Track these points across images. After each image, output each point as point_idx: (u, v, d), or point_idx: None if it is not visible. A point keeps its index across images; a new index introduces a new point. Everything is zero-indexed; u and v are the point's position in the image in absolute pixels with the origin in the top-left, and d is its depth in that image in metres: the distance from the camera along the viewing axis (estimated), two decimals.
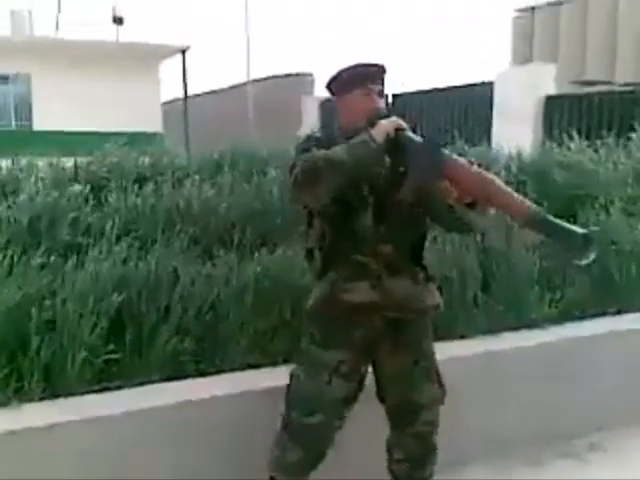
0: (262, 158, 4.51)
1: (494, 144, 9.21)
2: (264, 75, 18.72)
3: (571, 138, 5.58)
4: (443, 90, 13.29)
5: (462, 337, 3.12)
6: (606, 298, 3.60)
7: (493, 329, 3.23)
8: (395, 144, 2.04)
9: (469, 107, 12.22)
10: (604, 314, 3.54)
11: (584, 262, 1.83)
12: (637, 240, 3.81)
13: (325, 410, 2.15)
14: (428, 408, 2.25)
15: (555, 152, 5.34)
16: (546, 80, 11.18)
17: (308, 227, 2.24)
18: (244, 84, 18.21)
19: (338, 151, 2.01)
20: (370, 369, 2.29)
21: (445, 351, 2.91)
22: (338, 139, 2.10)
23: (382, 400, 2.31)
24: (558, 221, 1.86)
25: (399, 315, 2.19)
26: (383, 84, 2.22)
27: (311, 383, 2.17)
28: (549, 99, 10.98)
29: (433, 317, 2.33)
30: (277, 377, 2.42)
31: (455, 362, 2.84)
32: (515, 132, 10.05)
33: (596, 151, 5.20)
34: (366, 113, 2.12)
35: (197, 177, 3.75)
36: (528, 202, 1.90)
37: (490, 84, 11.84)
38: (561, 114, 10.57)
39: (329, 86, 2.25)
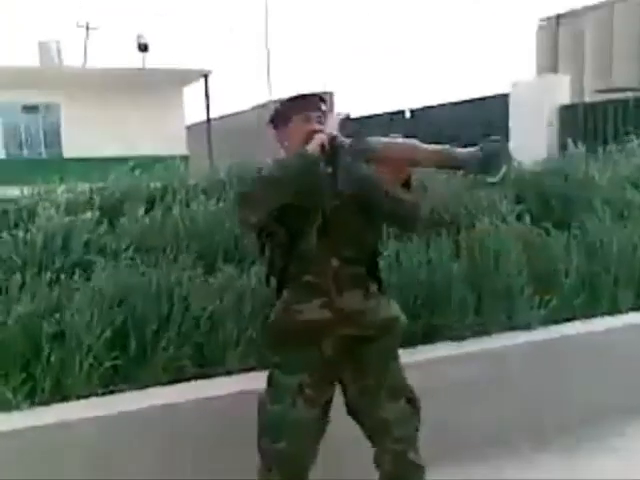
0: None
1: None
2: (286, 94, 18.99)
3: (575, 146, 5.72)
4: (461, 103, 13.46)
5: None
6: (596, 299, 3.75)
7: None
8: (333, 155, 2.14)
9: (487, 119, 12.31)
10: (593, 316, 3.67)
11: (495, 178, 1.87)
12: (626, 242, 3.96)
13: (289, 435, 2.15)
14: (397, 425, 2.22)
15: (555, 161, 5.51)
16: (560, 90, 11.29)
17: (260, 254, 2.34)
18: (263, 105, 18.53)
19: (271, 168, 2.14)
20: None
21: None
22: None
23: (354, 418, 2.30)
24: (464, 150, 1.91)
25: (354, 332, 2.18)
26: (322, 111, 2.29)
27: (276, 407, 2.18)
28: (563, 108, 11.09)
29: (398, 334, 2.31)
30: None
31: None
32: (531, 142, 10.20)
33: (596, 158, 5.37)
34: (307, 137, 2.18)
35: (202, 197, 3.98)
36: (439, 147, 1.98)
37: (507, 96, 11.98)
38: (575, 123, 10.67)
39: (272, 121, 2.34)
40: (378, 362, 2.24)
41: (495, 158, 1.84)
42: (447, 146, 1.97)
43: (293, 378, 2.18)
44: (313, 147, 2.11)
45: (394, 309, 2.31)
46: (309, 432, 2.20)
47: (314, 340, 2.18)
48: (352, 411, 2.29)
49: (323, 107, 2.30)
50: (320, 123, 2.26)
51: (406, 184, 2.15)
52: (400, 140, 2.08)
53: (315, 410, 2.19)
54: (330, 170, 2.18)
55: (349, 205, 2.19)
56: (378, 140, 2.08)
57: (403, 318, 2.33)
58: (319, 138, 2.13)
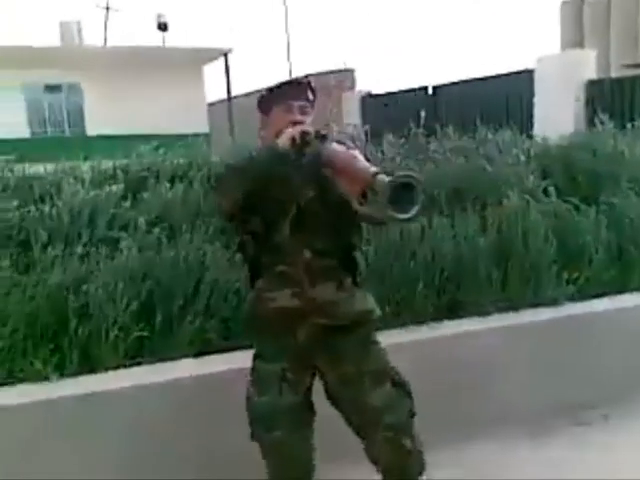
0: None
1: (536, 130, 9.24)
2: (306, 72, 18.94)
3: (602, 123, 5.62)
4: (485, 79, 13.25)
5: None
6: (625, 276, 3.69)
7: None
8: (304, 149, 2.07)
9: (512, 94, 12.11)
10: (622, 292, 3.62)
11: (404, 215, 1.67)
12: None
13: (281, 424, 2.16)
14: (387, 411, 2.17)
15: (583, 136, 5.41)
16: (586, 65, 11.08)
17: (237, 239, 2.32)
18: None
19: (241, 159, 2.14)
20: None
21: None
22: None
23: (336, 407, 2.26)
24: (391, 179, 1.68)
25: (327, 322, 2.17)
26: (309, 100, 2.23)
27: (264, 399, 2.19)
28: (590, 84, 10.88)
29: (373, 325, 2.27)
30: None
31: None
32: (557, 117, 10.05)
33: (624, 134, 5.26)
34: (286, 127, 2.12)
35: None
36: (374, 168, 1.82)
37: (532, 71, 11.79)
38: (602, 98, 10.46)
39: (259, 107, 2.29)
40: (355, 350, 2.20)
41: (404, 194, 1.64)
42: (378, 169, 1.78)
43: (274, 365, 2.19)
44: (283, 141, 2.07)
45: (369, 302, 2.28)
46: (300, 417, 2.21)
47: (288, 327, 2.17)
48: (333, 399, 2.26)
49: (310, 96, 2.24)
50: (304, 113, 2.20)
51: (364, 194, 2.01)
52: (347, 151, 1.98)
53: (299, 396, 2.20)
54: (301, 163, 2.10)
55: (322, 197, 2.13)
56: (330, 147, 2.02)
57: (378, 311, 2.29)
58: (289, 132, 2.08)
